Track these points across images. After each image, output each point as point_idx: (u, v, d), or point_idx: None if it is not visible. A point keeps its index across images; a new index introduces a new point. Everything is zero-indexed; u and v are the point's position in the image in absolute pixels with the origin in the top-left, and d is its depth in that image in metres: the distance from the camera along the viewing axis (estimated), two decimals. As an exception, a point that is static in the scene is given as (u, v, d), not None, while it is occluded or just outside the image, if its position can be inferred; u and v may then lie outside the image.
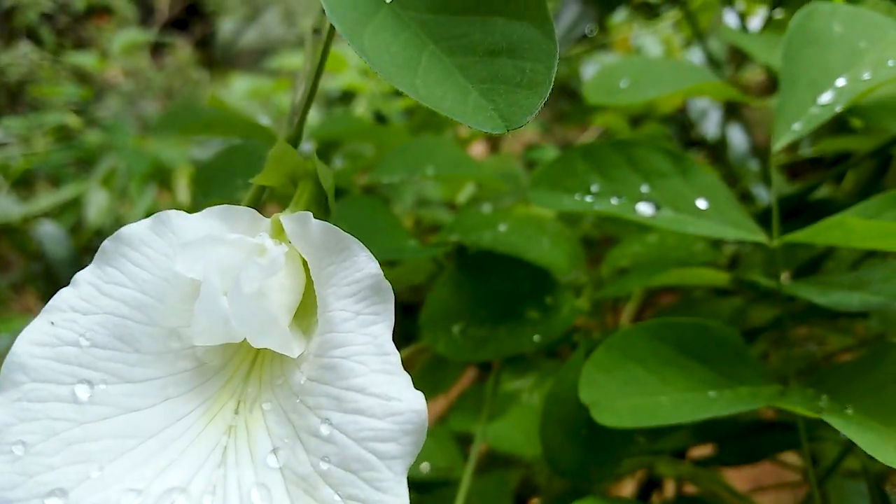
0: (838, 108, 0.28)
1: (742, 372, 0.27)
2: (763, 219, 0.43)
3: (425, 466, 0.46)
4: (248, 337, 0.15)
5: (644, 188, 0.28)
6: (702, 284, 0.35)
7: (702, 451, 0.48)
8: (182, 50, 1.92)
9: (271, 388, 0.16)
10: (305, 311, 0.16)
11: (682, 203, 0.28)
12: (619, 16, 1.45)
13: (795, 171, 0.99)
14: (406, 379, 0.14)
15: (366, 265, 0.15)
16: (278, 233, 0.17)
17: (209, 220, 0.16)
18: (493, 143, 1.37)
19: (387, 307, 0.15)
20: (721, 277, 0.31)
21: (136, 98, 1.89)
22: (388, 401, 0.14)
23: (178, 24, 3.09)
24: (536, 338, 0.32)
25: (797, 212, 0.43)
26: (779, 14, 0.62)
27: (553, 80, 0.15)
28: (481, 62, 0.15)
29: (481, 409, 0.50)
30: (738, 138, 0.97)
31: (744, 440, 0.43)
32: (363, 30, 0.15)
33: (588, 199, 0.28)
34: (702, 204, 0.28)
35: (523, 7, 0.16)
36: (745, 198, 0.61)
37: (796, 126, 0.28)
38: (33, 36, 1.94)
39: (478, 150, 1.07)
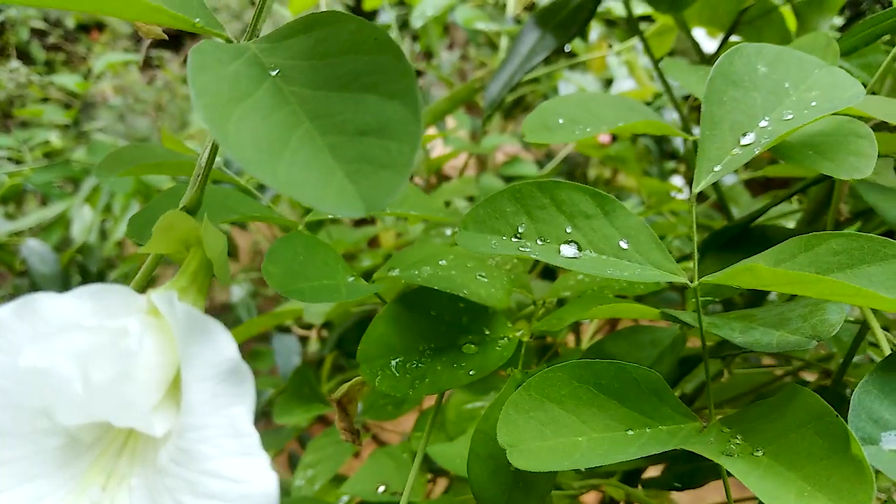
0: (757, 150, 0.28)
1: (662, 410, 0.27)
2: (707, 245, 0.43)
3: (381, 489, 0.46)
4: (108, 419, 0.15)
5: (568, 229, 0.28)
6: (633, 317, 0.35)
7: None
8: (171, 66, 1.92)
9: (142, 465, 0.15)
10: (179, 387, 0.16)
11: (605, 244, 0.28)
12: (594, 35, 1.46)
13: (767, 184, 0.99)
14: (261, 460, 0.14)
15: (225, 348, 0.15)
16: (154, 309, 0.17)
17: (80, 301, 0.16)
18: (481, 160, 1.37)
19: (245, 388, 0.15)
20: (651, 312, 0.31)
21: (127, 114, 1.88)
22: (239, 484, 0.14)
23: (173, 39, 3.08)
24: (472, 372, 0.32)
25: (742, 238, 0.43)
26: (735, 38, 0.62)
27: (415, 161, 0.15)
28: (351, 142, 0.15)
29: (441, 429, 0.50)
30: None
31: (689, 463, 0.43)
32: (231, 112, 0.15)
33: (514, 240, 0.29)
34: (624, 245, 0.28)
35: (395, 86, 0.16)
36: (722, 209, 0.60)
37: (717, 168, 0.28)
38: (24, 53, 1.94)
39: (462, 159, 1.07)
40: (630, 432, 0.26)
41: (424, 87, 1.76)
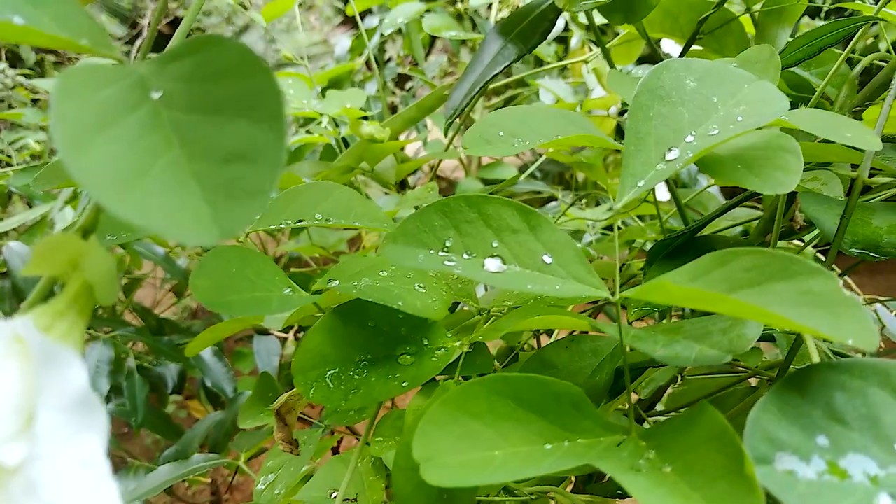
0: (679, 165, 0.28)
1: (582, 424, 0.27)
2: (654, 253, 0.43)
3: (333, 494, 0.46)
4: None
5: (495, 243, 0.28)
6: (564, 328, 0.35)
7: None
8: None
9: (4, 491, 0.15)
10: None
11: (530, 259, 0.28)
12: (575, 41, 1.46)
13: (739, 189, 1.00)
14: (110, 489, 0.14)
15: (75, 378, 0.15)
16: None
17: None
18: (468, 162, 1.36)
19: (95, 418, 0.14)
20: (581, 324, 0.31)
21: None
22: (85, 514, 0.14)
23: (166, 40, 3.07)
24: (405, 383, 0.32)
25: (687, 247, 0.43)
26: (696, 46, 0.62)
27: (275, 185, 0.15)
28: (217, 167, 0.15)
29: (398, 434, 0.50)
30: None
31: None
32: (91, 141, 0.15)
33: (441, 254, 0.28)
34: (548, 259, 0.28)
35: (264, 110, 0.16)
36: (681, 215, 0.60)
37: (641, 183, 0.28)
38: (15, 54, 1.93)
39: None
40: (548, 446, 0.26)
41: (412, 91, 1.75)
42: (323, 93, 0.83)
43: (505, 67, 0.57)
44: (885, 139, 0.49)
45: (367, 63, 1.36)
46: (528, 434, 0.26)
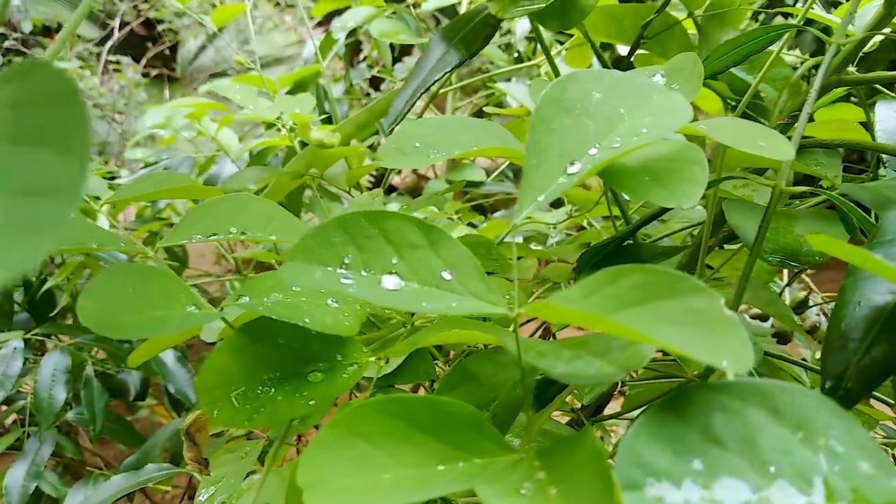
0: (575, 179, 0.27)
1: (480, 444, 0.26)
2: (584, 261, 0.43)
3: (266, 511, 0.45)
4: None
5: (394, 260, 0.27)
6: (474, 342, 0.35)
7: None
8: (130, 70, 1.88)
9: None
10: None
11: (429, 275, 0.27)
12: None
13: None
14: None
15: None
16: None
17: None
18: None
19: None
20: (491, 339, 0.30)
21: (91, 119, 1.84)
22: None
23: (145, 41, 3.04)
24: (312, 402, 0.31)
25: (615, 255, 0.42)
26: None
27: (69, 219, 0.14)
28: (15, 202, 0.14)
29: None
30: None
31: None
32: None
33: (340, 271, 0.28)
34: (447, 276, 0.27)
35: (70, 140, 0.15)
36: (626, 222, 0.60)
37: (541, 198, 0.28)
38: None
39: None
40: (441, 467, 0.25)
41: (383, 92, 1.74)
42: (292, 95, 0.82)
43: (447, 73, 0.56)
44: (818, 145, 0.49)
45: (351, 63, 1.35)
46: (421, 456, 0.25)
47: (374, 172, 2.16)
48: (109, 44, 2.19)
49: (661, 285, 0.23)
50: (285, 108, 0.67)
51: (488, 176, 1.37)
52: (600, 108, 0.30)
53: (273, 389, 0.31)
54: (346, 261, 0.28)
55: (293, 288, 0.34)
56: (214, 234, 0.35)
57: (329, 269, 0.28)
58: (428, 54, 0.58)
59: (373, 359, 0.34)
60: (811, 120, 0.70)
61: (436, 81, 0.55)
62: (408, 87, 0.57)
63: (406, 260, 0.28)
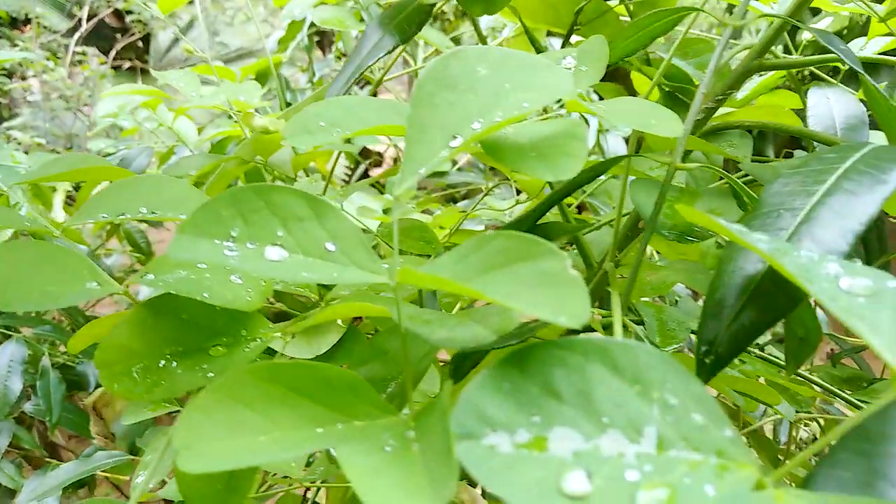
0: (457, 150, 0.28)
1: (358, 407, 0.27)
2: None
3: None
4: None
5: (280, 232, 0.28)
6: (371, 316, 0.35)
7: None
8: (95, 60, 1.86)
9: None
10: None
11: (313, 247, 0.28)
12: (508, 31, 1.46)
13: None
14: None
15: None
16: None
17: None
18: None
19: None
20: (379, 310, 0.31)
21: (47, 111, 1.82)
22: None
23: (116, 32, 2.99)
24: (210, 375, 0.32)
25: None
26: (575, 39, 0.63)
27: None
28: None
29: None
30: (612, 143, 0.99)
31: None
32: None
33: (226, 244, 0.28)
34: (331, 247, 0.28)
35: None
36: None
37: (422, 170, 0.28)
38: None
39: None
40: (320, 430, 0.26)
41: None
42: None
43: (382, 57, 0.57)
44: (732, 127, 0.51)
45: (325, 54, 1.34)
46: (300, 419, 0.26)
47: (348, 164, 2.15)
48: (77, 35, 2.16)
49: (518, 250, 0.24)
50: (229, 95, 0.67)
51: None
52: (486, 84, 0.31)
53: (175, 363, 0.32)
54: (234, 234, 0.28)
55: (199, 265, 0.34)
56: (123, 214, 0.35)
57: (216, 242, 0.28)
58: (365, 40, 0.59)
59: (278, 334, 0.34)
60: (751, 105, 0.72)
61: (369, 66, 0.56)
62: (344, 71, 0.58)
63: (292, 232, 0.28)
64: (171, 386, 0.31)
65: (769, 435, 0.81)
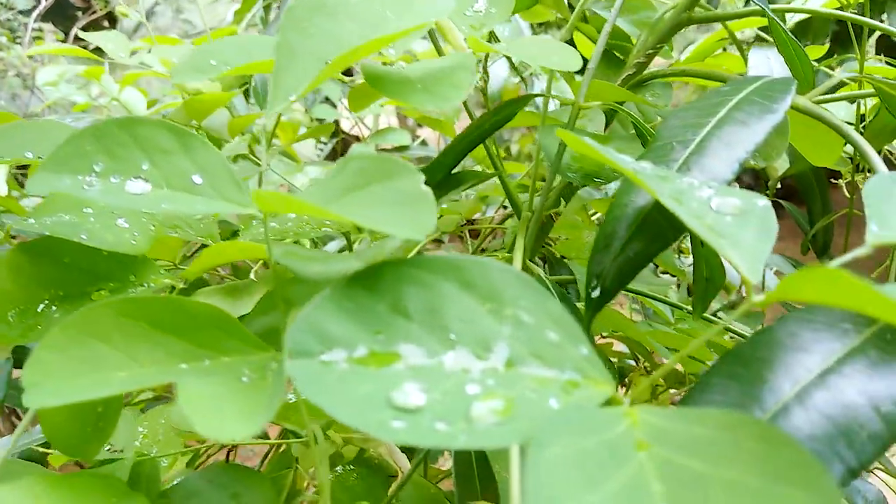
0: (323, 73, 0.27)
1: (227, 343, 0.26)
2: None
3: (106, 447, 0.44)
4: None
5: (145, 166, 0.27)
6: (252, 258, 0.34)
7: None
8: (51, 36, 1.80)
9: None
10: None
11: (179, 180, 0.27)
12: (480, 4, 1.44)
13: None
14: None
15: None
16: None
17: None
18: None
19: None
20: (259, 248, 0.30)
21: (15, 87, 1.77)
22: None
23: (82, 11, 2.91)
24: (89, 319, 0.30)
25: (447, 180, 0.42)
26: None
27: None
28: None
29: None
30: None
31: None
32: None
33: (89, 178, 0.27)
34: (198, 180, 0.27)
35: None
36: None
37: (293, 96, 0.27)
38: None
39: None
40: (184, 365, 0.25)
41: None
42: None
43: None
44: (655, 76, 0.50)
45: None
46: (163, 354, 0.25)
47: (325, 139, 2.12)
48: (36, 12, 2.09)
49: (376, 170, 0.23)
50: (162, 56, 0.65)
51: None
52: (366, 12, 0.29)
53: (54, 308, 0.31)
54: (97, 168, 0.27)
55: (84, 210, 0.33)
56: (2, 157, 0.33)
57: (78, 177, 0.27)
58: None
59: (166, 280, 0.33)
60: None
61: None
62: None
63: (157, 166, 0.27)
64: (48, 329, 0.30)
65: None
